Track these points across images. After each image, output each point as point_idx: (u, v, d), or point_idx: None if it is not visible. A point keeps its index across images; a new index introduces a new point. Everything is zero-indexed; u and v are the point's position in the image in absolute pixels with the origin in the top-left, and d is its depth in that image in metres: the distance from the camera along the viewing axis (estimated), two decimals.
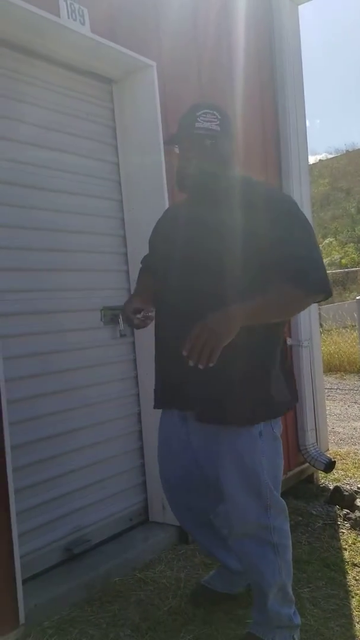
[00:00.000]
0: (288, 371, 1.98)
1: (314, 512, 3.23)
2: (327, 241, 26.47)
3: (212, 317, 1.64)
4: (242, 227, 1.77)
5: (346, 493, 3.41)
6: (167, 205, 2.69)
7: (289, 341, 3.67)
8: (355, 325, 11.83)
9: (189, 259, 1.87)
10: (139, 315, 2.04)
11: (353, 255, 24.03)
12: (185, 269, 1.87)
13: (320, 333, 5.96)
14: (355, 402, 6.78)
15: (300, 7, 3.98)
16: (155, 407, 2.07)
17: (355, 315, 12.30)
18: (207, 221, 1.86)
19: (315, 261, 1.75)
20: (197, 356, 1.60)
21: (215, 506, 2.08)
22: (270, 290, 1.73)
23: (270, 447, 1.88)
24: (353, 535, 2.92)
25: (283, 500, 1.94)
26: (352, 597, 2.34)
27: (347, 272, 21.32)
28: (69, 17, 2.34)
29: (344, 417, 6.02)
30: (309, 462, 3.70)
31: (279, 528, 1.91)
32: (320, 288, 1.75)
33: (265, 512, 1.88)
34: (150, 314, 2.06)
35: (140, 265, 2.31)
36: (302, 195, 3.76)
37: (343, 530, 3.00)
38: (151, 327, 2.07)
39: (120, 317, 1.99)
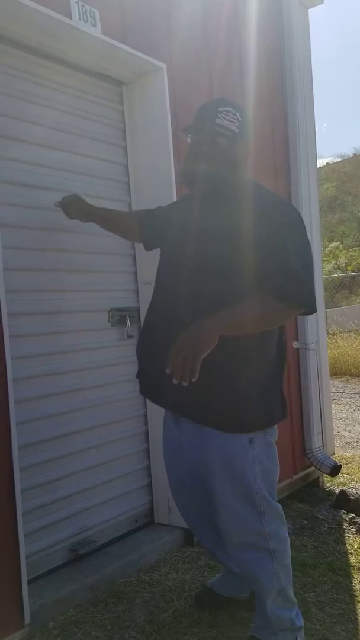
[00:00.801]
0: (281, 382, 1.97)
1: (320, 516, 3.22)
2: (333, 245, 26.39)
3: (186, 333, 1.68)
4: (240, 234, 1.75)
5: (352, 497, 3.40)
6: None
7: (295, 344, 3.67)
8: None
9: (185, 261, 1.85)
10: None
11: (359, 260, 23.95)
12: (181, 272, 1.85)
13: None
14: None
15: (311, 11, 3.98)
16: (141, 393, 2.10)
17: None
18: (208, 226, 1.84)
19: (299, 275, 1.70)
20: (179, 374, 1.65)
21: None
22: (250, 301, 1.72)
23: (263, 453, 1.86)
24: (359, 539, 2.91)
25: (279, 505, 1.93)
26: (358, 601, 2.33)
27: (353, 276, 21.26)
28: (80, 19, 2.35)
29: (350, 420, 6.00)
30: (315, 466, 3.69)
31: (275, 534, 1.90)
32: (300, 302, 1.73)
33: (260, 518, 1.87)
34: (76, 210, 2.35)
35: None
36: (310, 198, 3.76)
37: (349, 535, 2.99)
38: None
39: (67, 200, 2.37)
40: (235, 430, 1.82)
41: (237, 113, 1.85)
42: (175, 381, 1.66)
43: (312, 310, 1.75)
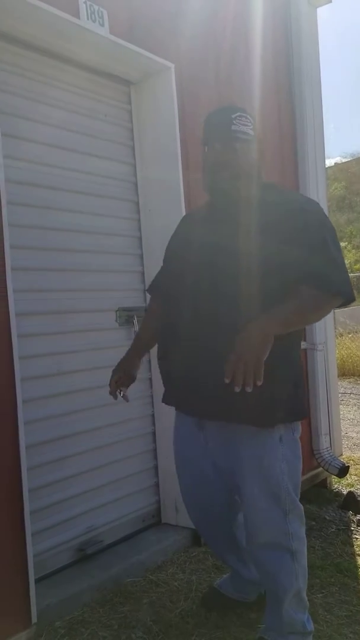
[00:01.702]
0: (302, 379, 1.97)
1: (327, 517, 3.21)
2: (341, 245, 26.31)
3: (243, 337, 1.64)
4: (269, 240, 1.75)
5: None
6: (183, 208, 2.69)
7: (303, 345, 3.65)
8: None
9: (212, 278, 1.82)
10: (122, 391, 2.13)
11: None
12: (209, 290, 1.83)
13: None
14: None
15: (319, 10, 3.96)
16: (164, 401, 2.07)
17: None
18: (233, 239, 1.82)
19: (340, 265, 1.78)
20: (242, 380, 1.60)
21: (236, 515, 2.07)
22: (297, 295, 1.73)
23: (291, 451, 1.86)
24: None
25: (301, 506, 1.91)
26: None
27: None
28: (88, 19, 2.35)
29: (358, 421, 5.97)
30: (323, 467, 3.68)
31: (297, 534, 1.88)
32: (345, 291, 1.77)
33: (285, 517, 1.85)
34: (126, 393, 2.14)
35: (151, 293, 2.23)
36: (319, 198, 3.74)
37: (357, 536, 2.97)
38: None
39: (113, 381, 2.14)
40: (265, 425, 1.80)
41: (248, 116, 1.87)
42: (237, 389, 1.62)
43: (353, 298, 1.80)
